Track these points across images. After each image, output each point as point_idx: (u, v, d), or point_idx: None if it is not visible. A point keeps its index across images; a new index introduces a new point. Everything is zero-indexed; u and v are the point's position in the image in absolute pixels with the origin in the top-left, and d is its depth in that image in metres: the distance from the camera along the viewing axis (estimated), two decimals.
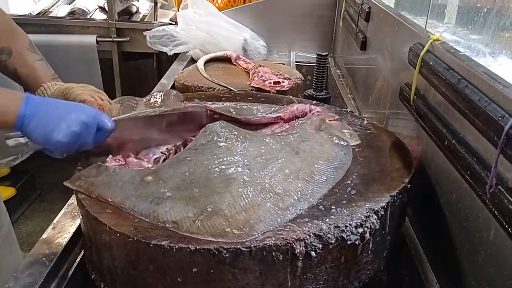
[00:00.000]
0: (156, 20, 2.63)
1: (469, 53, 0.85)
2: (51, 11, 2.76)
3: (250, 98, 1.14)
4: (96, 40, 2.36)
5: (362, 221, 0.67)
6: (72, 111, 0.75)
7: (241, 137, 0.81)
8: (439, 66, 0.79)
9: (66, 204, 0.90)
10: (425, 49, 0.87)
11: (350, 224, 0.65)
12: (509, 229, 0.55)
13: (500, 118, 0.58)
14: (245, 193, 0.69)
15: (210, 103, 1.06)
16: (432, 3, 1.33)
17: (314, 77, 1.62)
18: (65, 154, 0.77)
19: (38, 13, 2.69)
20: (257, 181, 0.71)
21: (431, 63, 0.82)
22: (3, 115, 0.73)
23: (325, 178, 0.76)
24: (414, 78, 0.90)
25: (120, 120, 0.83)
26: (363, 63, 1.59)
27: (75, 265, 0.79)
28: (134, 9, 2.75)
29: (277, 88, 1.41)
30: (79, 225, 0.82)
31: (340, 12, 2.10)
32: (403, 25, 1.10)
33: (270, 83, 1.43)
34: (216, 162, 0.74)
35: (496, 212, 0.58)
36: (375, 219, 0.68)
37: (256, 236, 0.62)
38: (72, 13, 2.65)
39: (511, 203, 0.54)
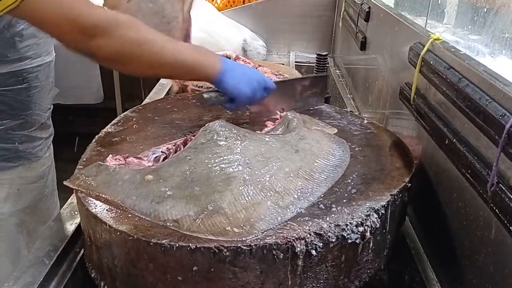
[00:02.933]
0: None
1: (468, 53, 0.85)
2: None
3: None
4: None
5: (363, 220, 0.66)
6: (252, 72, 0.98)
7: (241, 136, 0.80)
8: (439, 65, 0.79)
9: (66, 203, 0.90)
10: (425, 48, 0.87)
11: (350, 223, 0.65)
12: (510, 228, 0.55)
13: (500, 117, 0.58)
14: (246, 192, 0.68)
15: None
16: (432, 4, 1.34)
17: None
18: (243, 105, 0.97)
19: None
20: (258, 180, 0.71)
21: (431, 62, 0.82)
22: (208, 69, 0.90)
23: (324, 176, 0.76)
24: (414, 78, 0.90)
25: (277, 83, 1.03)
26: (362, 63, 1.59)
27: (75, 263, 0.79)
28: None
29: None
30: (79, 224, 0.81)
31: (339, 12, 2.10)
32: (403, 25, 1.10)
33: None
34: (216, 160, 0.74)
35: (497, 211, 0.58)
36: (376, 218, 0.68)
37: (257, 234, 0.62)
38: None
39: None
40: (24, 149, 1.19)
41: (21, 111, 1.16)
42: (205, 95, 0.95)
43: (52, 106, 1.30)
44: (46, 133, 1.27)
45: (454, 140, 0.72)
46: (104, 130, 0.95)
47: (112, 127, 0.97)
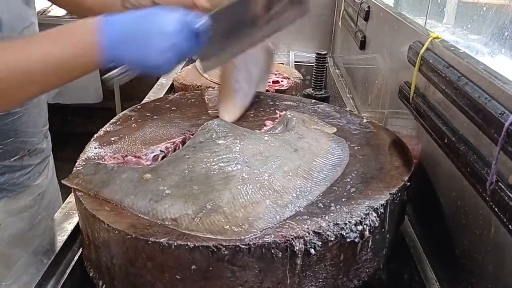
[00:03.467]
0: None
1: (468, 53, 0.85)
2: (50, 11, 2.76)
3: None
4: None
5: (362, 219, 0.66)
6: (154, 24, 0.65)
7: (239, 134, 0.80)
8: (438, 64, 0.79)
9: (64, 202, 0.90)
10: (424, 47, 0.87)
11: (349, 222, 0.65)
12: (510, 226, 0.54)
13: (500, 115, 0.58)
14: (244, 190, 0.68)
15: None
16: (431, 3, 1.33)
17: (313, 76, 1.62)
18: (170, 71, 0.72)
19: (37, 13, 2.68)
20: (256, 179, 0.71)
21: (430, 61, 0.82)
22: (85, 57, 0.65)
23: (323, 175, 0.76)
24: (413, 76, 0.90)
25: (216, 13, 0.71)
26: (362, 63, 1.59)
27: (73, 263, 0.78)
28: None
29: (276, 88, 1.41)
30: (77, 223, 0.81)
31: (339, 12, 2.10)
32: (402, 24, 1.10)
33: (269, 82, 1.42)
34: (215, 159, 0.74)
35: (496, 209, 0.58)
36: (375, 217, 0.68)
37: (255, 233, 0.62)
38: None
39: None
40: (6, 181, 0.99)
41: None
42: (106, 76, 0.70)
43: (47, 125, 1.12)
44: (37, 158, 1.07)
45: (453, 138, 0.71)
46: (103, 129, 0.95)
47: (111, 126, 0.97)
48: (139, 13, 0.67)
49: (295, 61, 2.14)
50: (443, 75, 0.76)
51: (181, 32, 0.66)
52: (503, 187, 0.56)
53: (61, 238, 0.80)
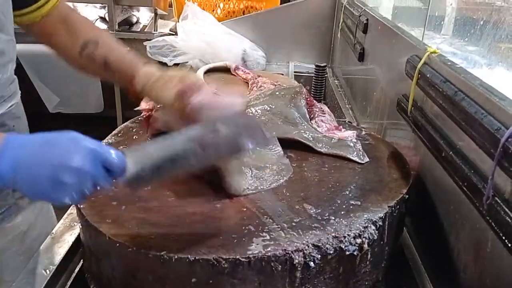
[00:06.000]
0: (156, 31, 2.64)
1: (466, 65, 0.86)
2: None
3: None
4: None
5: (361, 232, 0.67)
6: (58, 156, 0.55)
7: None
8: (436, 78, 0.80)
9: (66, 214, 0.90)
10: (422, 61, 0.88)
11: (348, 235, 0.66)
12: (506, 241, 0.55)
13: (496, 130, 0.58)
14: None
15: None
16: (429, 15, 1.35)
17: (312, 87, 1.64)
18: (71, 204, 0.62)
19: None
20: None
21: (428, 75, 0.83)
22: None
23: None
24: (411, 90, 0.91)
25: (133, 151, 0.61)
26: (361, 74, 1.60)
27: (74, 275, 0.79)
28: (134, 20, 2.77)
29: None
30: (78, 235, 0.82)
31: (338, 23, 2.12)
32: (400, 37, 1.11)
33: None
34: None
35: (493, 224, 0.58)
36: (373, 229, 0.69)
37: None
38: None
39: (508, 214, 0.55)
40: None
41: None
42: None
43: None
44: (13, 196, 0.95)
45: (451, 152, 0.72)
46: (104, 140, 0.96)
47: (112, 137, 0.97)
48: (48, 138, 0.58)
49: (295, 72, 2.15)
50: (440, 90, 0.77)
51: (90, 166, 0.56)
52: (499, 201, 0.57)
53: (62, 250, 0.80)
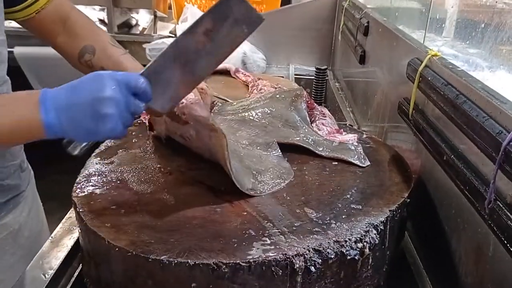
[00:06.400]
0: (156, 33, 2.64)
1: (467, 67, 0.86)
2: None
3: None
4: None
5: (362, 236, 0.66)
6: (89, 92, 0.62)
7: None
8: (437, 82, 0.80)
9: (65, 218, 0.90)
10: (423, 64, 0.87)
11: (349, 239, 0.65)
12: (508, 245, 0.55)
13: (498, 134, 0.58)
14: None
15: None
16: (430, 17, 1.35)
17: (313, 90, 1.63)
18: (120, 137, 0.66)
19: None
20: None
21: (429, 78, 0.83)
22: (30, 134, 0.64)
23: None
24: (412, 93, 0.91)
25: (151, 66, 0.68)
26: (362, 77, 1.60)
27: (73, 279, 0.78)
28: (133, 22, 2.77)
29: None
30: (78, 239, 0.81)
31: (338, 26, 2.12)
32: (401, 40, 1.11)
33: None
34: None
35: (495, 228, 0.58)
36: (375, 234, 0.68)
37: None
38: None
39: (510, 218, 0.55)
40: None
41: None
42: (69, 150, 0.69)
43: (21, 158, 1.02)
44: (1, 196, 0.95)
45: (452, 156, 0.72)
46: (104, 144, 0.95)
47: (112, 141, 0.97)
48: (75, 83, 0.64)
49: (295, 74, 2.15)
50: (442, 93, 0.77)
51: (120, 94, 0.63)
52: (501, 205, 0.57)
53: (61, 254, 0.80)
